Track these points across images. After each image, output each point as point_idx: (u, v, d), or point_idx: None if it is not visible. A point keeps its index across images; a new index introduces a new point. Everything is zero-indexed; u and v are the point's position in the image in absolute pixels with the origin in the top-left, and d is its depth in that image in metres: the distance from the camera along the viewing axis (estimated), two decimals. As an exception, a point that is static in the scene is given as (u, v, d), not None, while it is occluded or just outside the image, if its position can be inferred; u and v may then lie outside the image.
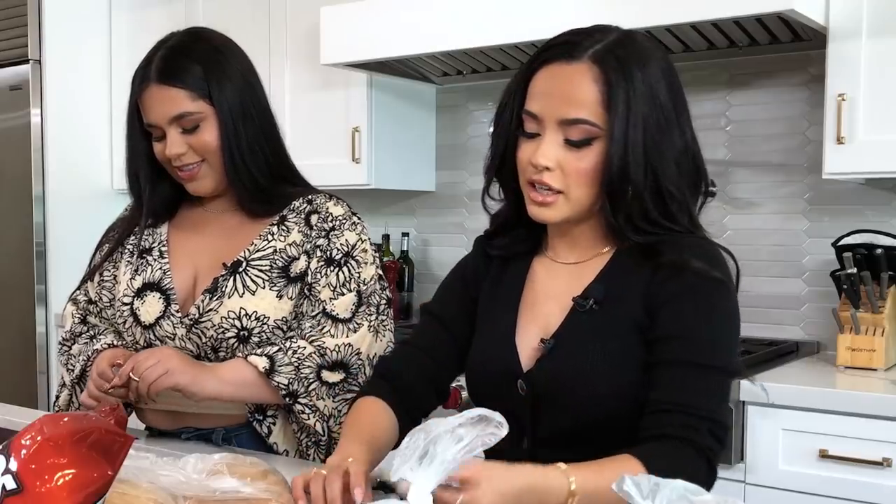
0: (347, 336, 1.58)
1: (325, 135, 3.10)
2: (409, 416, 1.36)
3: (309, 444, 1.60)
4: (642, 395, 1.22)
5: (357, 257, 1.62)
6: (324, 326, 1.58)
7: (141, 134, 1.64)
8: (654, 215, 1.23)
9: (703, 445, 1.17)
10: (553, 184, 1.23)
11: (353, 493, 1.09)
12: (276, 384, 1.53)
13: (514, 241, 1.37)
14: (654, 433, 1.18)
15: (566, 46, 1.23)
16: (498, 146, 1.31)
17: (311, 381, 1.56)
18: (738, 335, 1.28)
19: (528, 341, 1.31)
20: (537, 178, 1.23)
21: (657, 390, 1.20)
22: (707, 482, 1.18)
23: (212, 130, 1.59)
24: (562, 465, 1.09)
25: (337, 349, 1.57)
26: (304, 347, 1.56)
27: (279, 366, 1.53)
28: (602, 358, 1.23)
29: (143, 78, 1.60)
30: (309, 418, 1.57)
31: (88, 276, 1.76)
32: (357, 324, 1.59)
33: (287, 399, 1.56)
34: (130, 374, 1.47)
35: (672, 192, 1.23)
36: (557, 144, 1.22)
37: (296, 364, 1.54)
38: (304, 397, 1.56)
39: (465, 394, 2.50)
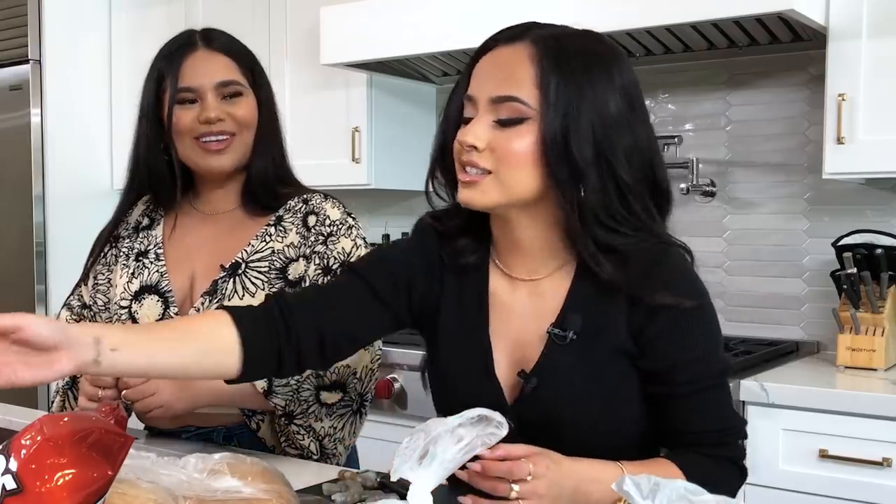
0: None
1: (325, 135, 3.10)
2: (266, 353, 1.22)
3: (290, 450, 1.60)
4: (642, 427, 1.24)
5: None
6: None
7: (159, 123, 1.61)
8: (616, 207, 1.17)
9: (737, 457, 1.23)
10: (481, 163, 1.16)
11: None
12: (273, 405, 1.55)
13: (460, 251, 1.30)
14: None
15: (511, 31, 1.21)
16: (439, 138, 1.27)
17: (310, 403, 1.57)
18: (721, 336, 1.27)
19: (505, 372, 1.26)
20: (466, 159, 1.18)
21: (678, 421, 1.23)
22: (739, 485, 1.25)
23: (249, 105, 1.63)
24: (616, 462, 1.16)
25: (336, 370, 1.58)
26: None
27: (277, 386, 1.54)
28: (595, 391, 1.21)
29: (187, 44, 1.61)
30: (304, 439, 1.57)
31: (82, 280, 1.75)
32: None
33: (282, 419, 1.57)
34: (122, 396, 1.49)
35: (627, 183, 1.17)
36: (487, 124, 1.16)
37: (294, 386, 1.55)
38: (301, 418, 1.57)
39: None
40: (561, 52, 1.16)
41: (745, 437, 1.26)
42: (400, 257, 1.34)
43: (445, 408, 1.30)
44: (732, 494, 1.23)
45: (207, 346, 1.20)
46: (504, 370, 1.26)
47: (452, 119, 1.24)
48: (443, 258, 1.32)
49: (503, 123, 1.16)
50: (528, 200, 1.19)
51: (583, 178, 1.15)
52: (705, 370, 1.22)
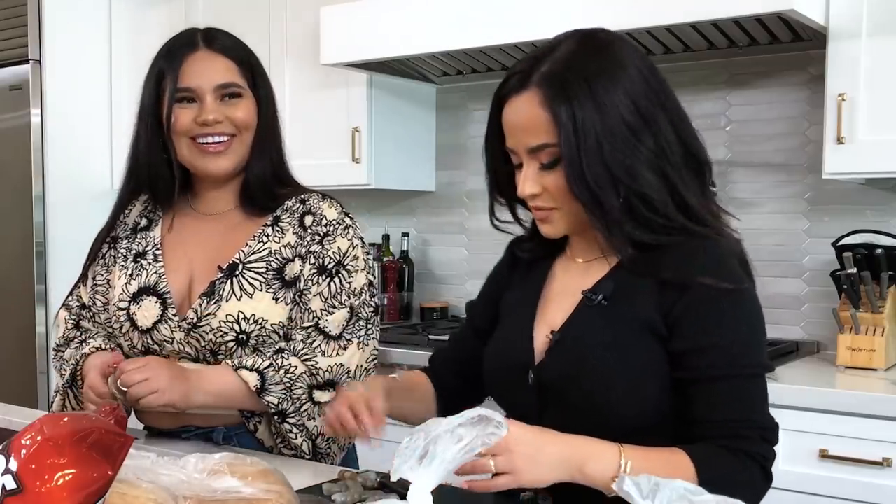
0: (338, 354, 1.58)
1: (325, 135, 3.10)
2: (444, 402, 1.51)
3: (286, 450, 1.60)
4: (665, 410, 1.24)
5: (348, 266, 1.61)
6: (314, 341, 1.57)
7: (158, 121, 1.61)
8: (643, 214, 1.24)
9: (757, 453, 1.21)
10: (546, 204, 1.29)
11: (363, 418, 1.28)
12: (266, 403, 1.54)
13: (539, 244, 1.41)
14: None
15: (517, 77, 1.27)
16: (491, 177, 1.39)
17: (303, 401, 1.57)
18: (764, 333, 1.28)
19: (541, 335, 1.34)
20: (533, 205, 1.32)
21: (700, 408, 1.22)
22: (763, 488, 1.23)
23: (248, 107, 1.63)
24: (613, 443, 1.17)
25: (329, 369, 1.57)
26: (296, 367, 1.55)
27: (270, 384, 1.53)
28: (614, 352, 1.24)
29: (188, 44, 1.61)
30: (296, 437, 1.57)
31: (81, 281, 1.75)
32: (347, 340, 1.58)
33: (275, 417, 1.56)
34: (118, 384, 1.48)
35: (652, 197, 1.23)
36: (535, 171, 1.27)
37: (287, 384, 1.54)
38: (294, 417, 1.56)
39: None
40: (564, 86, 1.22)
41: (774, 441, 1.23)
42: (488, 279, 1.55)
43: (486, 372, 1.42)
44: (757, 497, 1.22)
45: (427, 401, 1.50)
46: (542, 335, 1.34)
47: (497, 158, 1.35)
48: (514, 253, 1.48)
49: (546, 167, 1.26)
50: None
51: (599, 197, 1.22)
52: (737, 357, 1.21)
